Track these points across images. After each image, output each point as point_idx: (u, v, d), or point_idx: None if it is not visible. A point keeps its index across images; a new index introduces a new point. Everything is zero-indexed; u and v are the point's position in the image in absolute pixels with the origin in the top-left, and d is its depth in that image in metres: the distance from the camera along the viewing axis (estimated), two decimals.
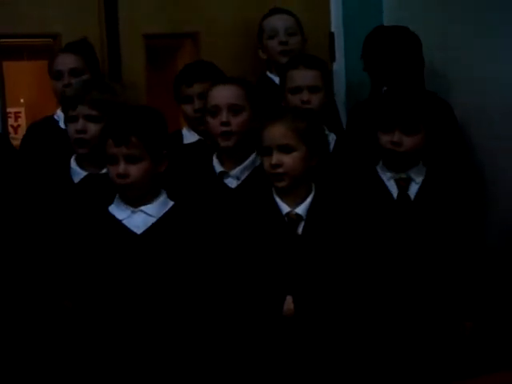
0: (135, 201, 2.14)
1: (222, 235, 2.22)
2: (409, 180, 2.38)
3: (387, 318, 2.27)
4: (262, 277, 2.16)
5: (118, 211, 2.14)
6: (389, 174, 2.40)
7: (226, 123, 2.37)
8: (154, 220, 2.13)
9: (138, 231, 2.11)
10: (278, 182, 2.20)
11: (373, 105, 2.77)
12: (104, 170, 2.35)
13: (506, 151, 2.72)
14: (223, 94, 2.40)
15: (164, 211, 2.15)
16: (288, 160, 2.18)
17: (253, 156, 2.43)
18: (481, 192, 2.78)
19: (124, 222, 2.13)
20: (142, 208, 2.13)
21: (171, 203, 2.18)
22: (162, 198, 2.17)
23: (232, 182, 2.41)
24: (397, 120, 2.33)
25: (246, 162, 2.41)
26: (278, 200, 2.22)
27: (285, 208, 2.21)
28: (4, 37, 3.03)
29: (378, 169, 2.44)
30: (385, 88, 2.76)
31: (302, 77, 2.64)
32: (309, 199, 2.22)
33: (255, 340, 2.16)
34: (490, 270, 2.64)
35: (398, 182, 2.38)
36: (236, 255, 2.19)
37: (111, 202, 2.17)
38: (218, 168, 2.42)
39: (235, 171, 2.41)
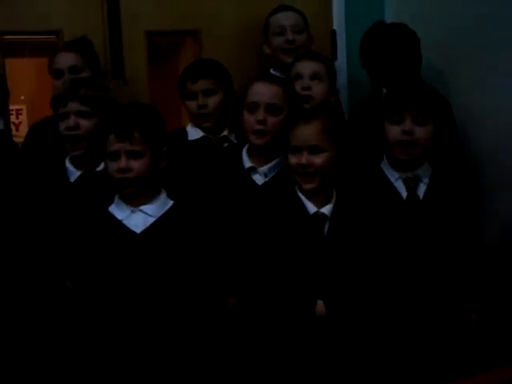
0: (134, 198, 2.14)
1: (245, 232, 2.21)
2: (417, 179, 2.36)
3: (395, 314, 2.26)
4: (291, 277, 2.15)
5: (118, 211, 2.15)
6: (396, 175, 2.37)
7: (262, 122, 2.35)
8: (153, 220, 2.13)
9: (138, 230, 2.12)
10: (307, 184, 2.18)
11: (374, 103, 2.78)
12: (99, 168, 2.35)
13: (506, 150, 2.72)
14: (264, 92, 2.38)
15: (163, 211, 2.15)
16: (318, 160, 2.16)
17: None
18: (480, 188, 2.79)
19: (124, 221, 2.13)
20: (142, 208, 2.13)
21: (171, 203, 2.18)
22: (162, 197, 2.18)
23: (259, 179, 2.40)
24: (408, 108, 2.30)
25: (276, 161, 2.40)
26: (303, 199, 2.20)
27: (311, 208, 2.19)
28: (6, 33, 3.03)
29: (384, 168, 2.41)
30: (384, 90, 2.75)
31: (304, 66, 2.67)
32: (333, 199, 2.21)
33: (286, 341, 2.14)
34: (492, 266, 2.66)
35: (406, 182, 2.36)
36: (262, 254, 2.18)
37: (109, 200, 2.18)
38: (247, 163, 2.41)
39: (264, 168, 2.39)
